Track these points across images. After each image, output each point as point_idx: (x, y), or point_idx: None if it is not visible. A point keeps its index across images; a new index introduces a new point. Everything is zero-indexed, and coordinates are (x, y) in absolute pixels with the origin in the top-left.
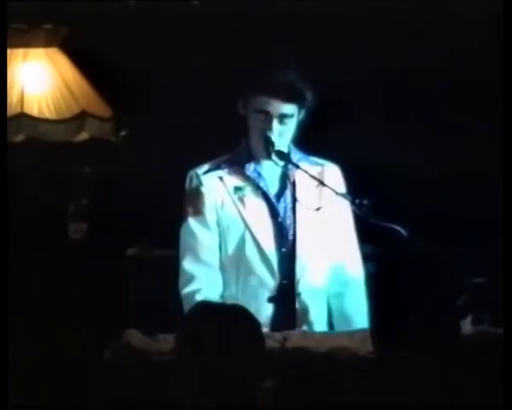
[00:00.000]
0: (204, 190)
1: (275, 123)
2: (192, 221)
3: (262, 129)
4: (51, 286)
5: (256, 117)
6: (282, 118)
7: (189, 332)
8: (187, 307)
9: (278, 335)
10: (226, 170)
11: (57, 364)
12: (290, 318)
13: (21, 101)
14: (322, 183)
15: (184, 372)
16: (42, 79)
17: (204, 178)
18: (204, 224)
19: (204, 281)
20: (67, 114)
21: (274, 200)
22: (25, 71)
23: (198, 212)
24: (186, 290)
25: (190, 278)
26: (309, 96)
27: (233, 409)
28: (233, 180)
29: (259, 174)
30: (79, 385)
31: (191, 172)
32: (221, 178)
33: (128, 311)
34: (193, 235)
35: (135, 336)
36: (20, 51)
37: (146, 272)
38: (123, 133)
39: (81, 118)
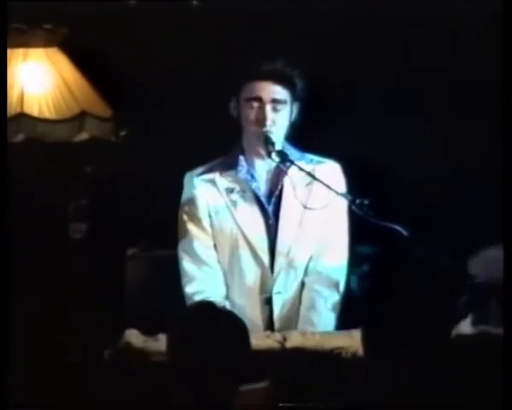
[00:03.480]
0: (197, 192)
1: (268, 110)
2: (188, 223)
3: (257, 121)
4: (51, 286)
5: (248, 105)
6: (275, 104)
7: (181, 333)
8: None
9: (278, 335)
10: (218, 173)
11: (57, 364)
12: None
13: (21, 101)
14: (318, 180)
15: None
16: (42, 79)
17: (197, 181)
18: (199, 226)
19: (205, 282)
20: (67, 114)
21: (266, 201)
22: (25, 71)
23: (192, 214)
24: (187, 290)
25: (191, 279)
26: (299, 83)
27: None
28: (225, 183)
29: (252, 176)
30: (79, 385)
31: (185, 176)
32: (213, 181)
33: (128, 311)
34: (189, 237)
35: (135, 336)
36: (20, 51)
37: (146, 272)
38: (123, 133)
39: (81, 118)
